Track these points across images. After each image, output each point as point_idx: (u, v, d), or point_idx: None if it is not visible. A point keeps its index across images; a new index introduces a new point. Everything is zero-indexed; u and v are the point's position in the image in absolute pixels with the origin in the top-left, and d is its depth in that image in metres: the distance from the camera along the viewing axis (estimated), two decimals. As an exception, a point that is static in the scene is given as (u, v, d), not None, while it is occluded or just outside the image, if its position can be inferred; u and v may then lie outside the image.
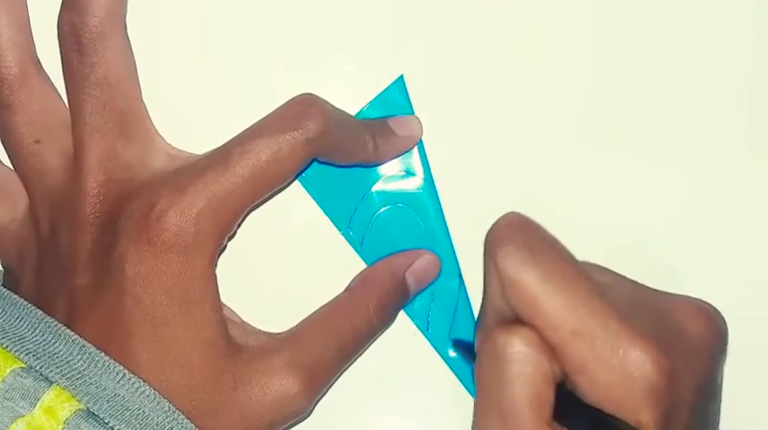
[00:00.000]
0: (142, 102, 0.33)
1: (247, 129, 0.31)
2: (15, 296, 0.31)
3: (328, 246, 0.35)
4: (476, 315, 0.35)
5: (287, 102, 0.31)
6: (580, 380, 0.27)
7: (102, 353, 0.29)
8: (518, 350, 0.27)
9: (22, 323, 0.30)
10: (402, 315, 0.35)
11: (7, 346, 0.29)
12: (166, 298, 0.30)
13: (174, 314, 0.30)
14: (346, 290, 0.34)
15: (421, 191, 0.35)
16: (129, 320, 0.30)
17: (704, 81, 0.35)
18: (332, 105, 0.32)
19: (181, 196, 0.30)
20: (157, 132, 0.33)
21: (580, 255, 0.30)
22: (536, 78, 0.35)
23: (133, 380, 0.29)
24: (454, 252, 0.35)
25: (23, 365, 0.29)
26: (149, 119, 0.33)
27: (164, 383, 0.30)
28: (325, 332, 0.32)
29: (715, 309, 0.30)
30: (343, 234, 0.35)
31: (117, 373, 0.29)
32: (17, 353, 0.29)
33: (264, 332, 0.33)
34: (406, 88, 0.34)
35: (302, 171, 0.32)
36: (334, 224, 0.35)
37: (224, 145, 0.31)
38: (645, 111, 0.35)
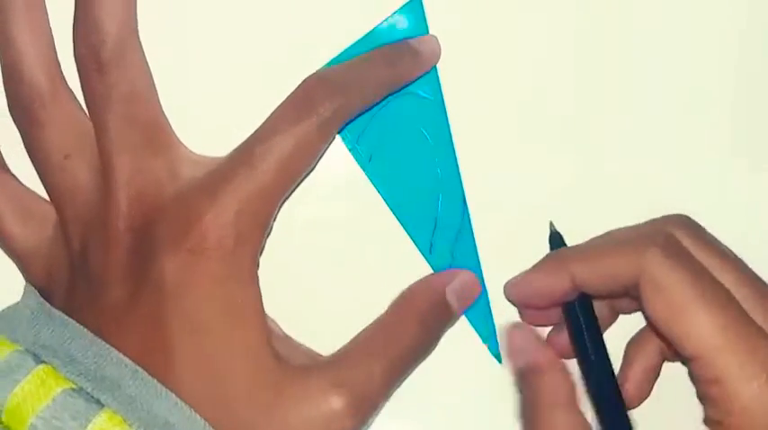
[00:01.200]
0: (163, 112, 0.33)
1: (263, 124, 0.31)
2: (66, 317, 0.30)
3: (341, 247, 0.35)
4: (476, 239, 0.35)
5: (293, 92, 0.32)
6: (712, 390, 0.28)
7: (155, 380, 0.29)
8: None
9: (72, 344, 0.30)
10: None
11: (57, 367, 0.29)
12: (209, 305, 0.30)
13: (217, 322, 0.30)
14: (388, 310, 0.33)
15: (431, 111, 0.35)
16: (171, 329, 0.30)
17: (708, 81, 0.36)
18: (339, 70, 0.32)
19: (215, 201, 0.30)
20: (179, 141, 0.33)
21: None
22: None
23: (185, 408, 0.29)
24: (459, 175, 0.35)
25: (74, 386, 0.29)
26: (171, 128, 0.33)
27: (204, 397, 0.29)
28: (371, 351, 0.32)
29: None
30: (350, 149, 0.35)
31: (169, 401, 0.29)
32: (68, 374, 0.29)
33: (309, 348, 0.33)
34: (422, 6, 0.34)
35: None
36: (343, 141, 0.35)
37: (244, 144, 0.31)
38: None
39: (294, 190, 0.32)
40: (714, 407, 0.28)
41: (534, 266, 0.34)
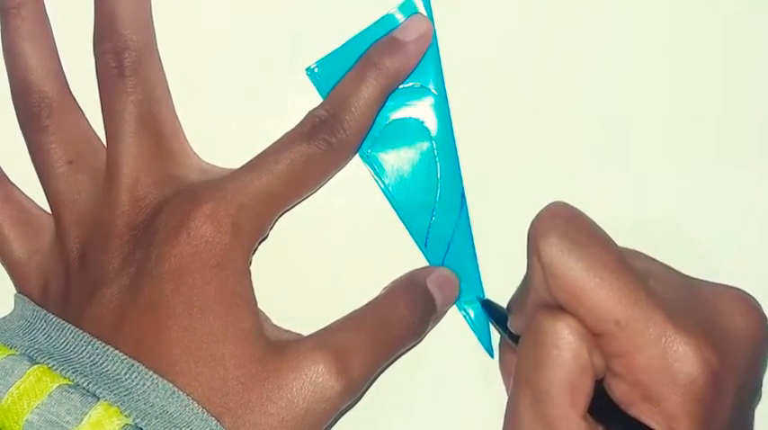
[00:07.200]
0: (177, 120, 0.34)
1: (274, 143, 0.33)
2: (62, 321, 0.31)
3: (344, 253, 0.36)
4: (474, 235, 0.35)
5: (302, 121, 0.33)
6: (618, 364, 0.27)
7: (152, 372, 0.30)
8: (561, 336, 0.27)
9: (67, 346, 0.30)
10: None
11: (53, 366, 0.30)
12: (204, 289, 0.31)
13: (211, 306, 0.31)
14: (377, 296, 0.34)
15: (434, 105, 0.35)
16: (168, 313, 0.30)
17: (704, 85, 0.35)
18: (341, 99, 0.33)
19: (220, 193, 0.31)
20: (191, 149, 0.35)
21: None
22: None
23: (182, 397, 0.29)
24: (459, 169, 0.35)
25: (70, 382, 0.29)
26: (184, 135, 0.34)
27: (199, 380, 0.30)
28: (357, 323, 0.33)
29: (754, 299, 0.29)
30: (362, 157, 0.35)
31: (165, 391, 0.29)
32: (63, 372, 0.29)
33: (297, 333, 0.33)
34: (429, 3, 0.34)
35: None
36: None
37: (257, 156, 0.33)
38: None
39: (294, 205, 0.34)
40: (622, 380, 0.27)
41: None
